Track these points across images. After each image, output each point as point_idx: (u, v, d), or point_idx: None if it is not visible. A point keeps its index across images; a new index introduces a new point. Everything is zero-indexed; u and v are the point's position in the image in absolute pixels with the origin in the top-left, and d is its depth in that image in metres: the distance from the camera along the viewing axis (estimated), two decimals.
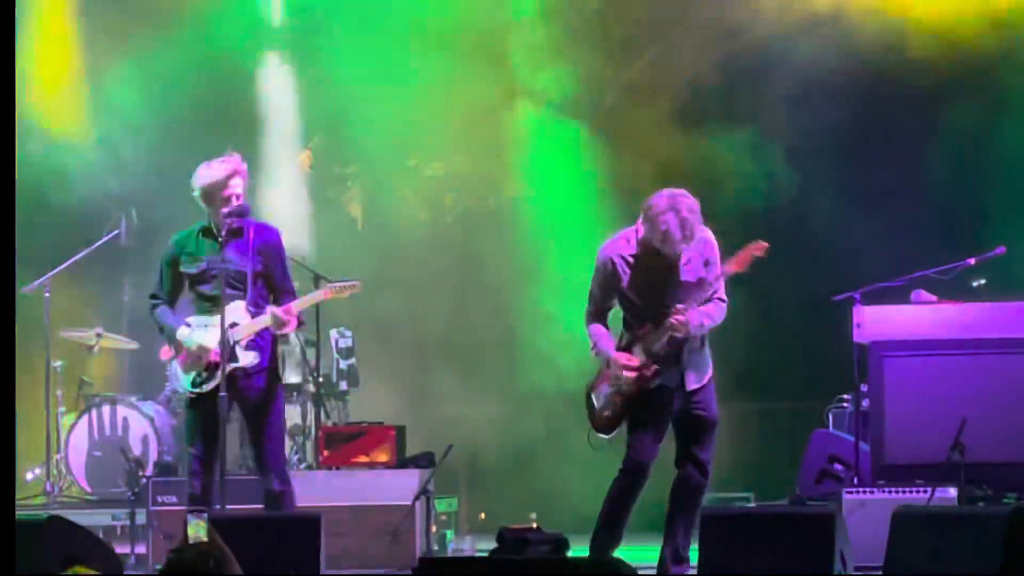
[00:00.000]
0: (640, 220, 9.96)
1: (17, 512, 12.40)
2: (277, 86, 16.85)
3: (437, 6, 16.20)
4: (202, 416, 10.24)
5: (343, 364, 13.80)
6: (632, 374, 10.08)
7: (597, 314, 10.39)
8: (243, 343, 10.24)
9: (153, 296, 10.52)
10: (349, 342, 13.75)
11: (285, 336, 11.58)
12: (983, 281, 13.19)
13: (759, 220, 15.00)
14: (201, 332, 10.28)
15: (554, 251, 16.15)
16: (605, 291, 10.25)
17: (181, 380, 10.32)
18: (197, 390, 10.24)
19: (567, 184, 16.28)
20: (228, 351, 10.15)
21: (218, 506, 10.02)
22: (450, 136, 17.58)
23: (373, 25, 16.26)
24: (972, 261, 13.06)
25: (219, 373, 10.14)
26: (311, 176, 17.86)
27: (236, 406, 10.38)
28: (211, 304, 10.27)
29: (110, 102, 16.67)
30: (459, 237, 17.63)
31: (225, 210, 10.21)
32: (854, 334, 12.75)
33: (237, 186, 10.25)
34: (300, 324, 10.73)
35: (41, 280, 14.32)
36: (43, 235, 15.85)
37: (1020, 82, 15.28)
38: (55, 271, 14.29)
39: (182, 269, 10.30)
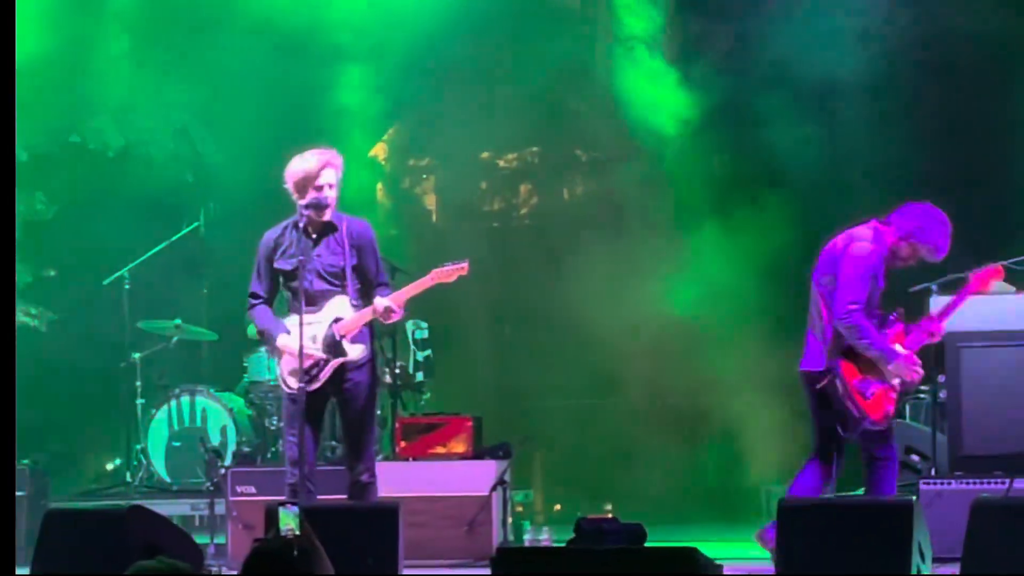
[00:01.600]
0: (896, 226, 10.44)
1: (99, 502, 12.56)
2: (351, 78, 16.88)
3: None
4: (302, 410, 10.25)
5: (419, 355, 13.80)
6: (919, 374, 10.51)
7: (868, 313, 10.45)
8: (348, 337, 10.27)
9: (252, 295, 10.52)
10: (425, 333, 13.75)
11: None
12: None
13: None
14: (297, 334, 10.26)
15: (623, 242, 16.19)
16: (873, 289, 10.44)
17: (286, 381, 10.30)
18: (307, 387, 10.21)
19: None
20: (332, 345, 10.22)
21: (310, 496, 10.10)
22: (524, 128, 17.61)
23: (447, 19, 16.27)
24: None
25: (325, 371, 10.21)
26: (386, 168, 17.90)
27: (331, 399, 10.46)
28: (305, 298, 10.24)
29: (187, 95, 16.74)
30: (533, 228, 17.66)
31: (303, 202, 10.21)
32: (933, 317, 12.68)
33: (329, 177, 10.23)
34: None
35: (120, 272, 14.39)
36: (122, 228, 15.96)
37: None
38: (134, 263, 14.36)
39: (276, 266, 10.27)
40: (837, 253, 10.65)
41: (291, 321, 10.30)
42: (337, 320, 10.20)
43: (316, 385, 10.22)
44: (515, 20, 16.64)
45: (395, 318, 10.46)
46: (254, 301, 10.49)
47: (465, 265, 10.48)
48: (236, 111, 16.52)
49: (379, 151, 17.57)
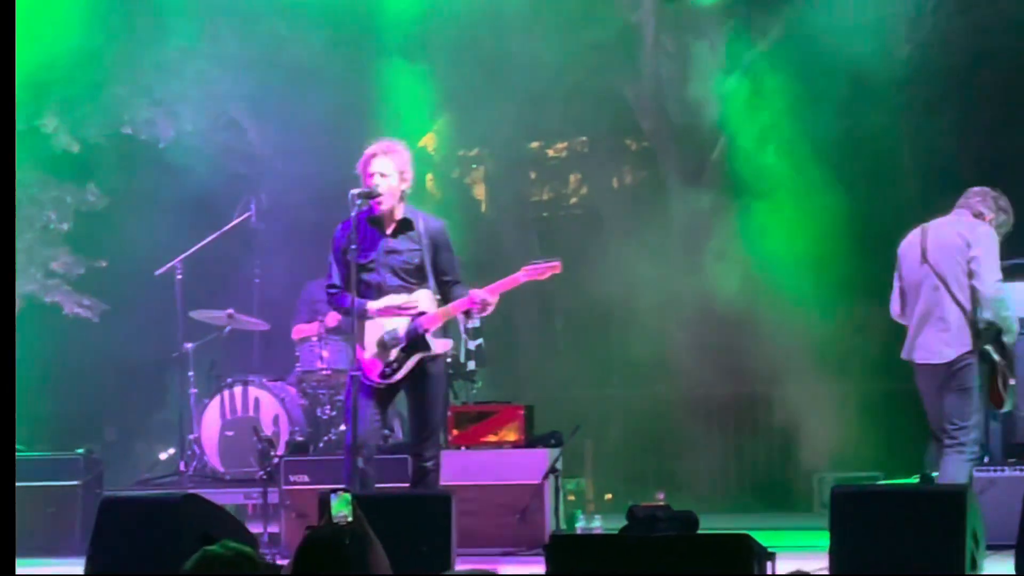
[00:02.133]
0: (988, 208, 10.73)
1: (154, 491, 12.60)
2: (400, 69, 16.91)
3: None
4: (373, 400, 10.31)
5: (471, 344, 13.80)
6: None
7: None
8: (432, 330, 10.32)
9: (331, 286, 10.54)
10: (477, 323, 13.74)
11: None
12: None
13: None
14: (381, 325, 10.32)
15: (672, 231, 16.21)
16: None
17: (365, 372, 10.32)
18: (387, 381, 10.30)
19: None
20: (415, 339, 10.28)
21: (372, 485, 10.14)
22: (574, 118, 17.62)
23: (495, 10, 16.28)
24: None
25: (407, 365, 10.26)
26: (435, 158, 17.93)
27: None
28: (378, 293, 10.32)
29: (238, 88, 16.78)
30: (583, 217, 17.66)
31: (353, 192, 10.24)
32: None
33: (379, 167, 10.25)
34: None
35: (172, 263, 14.42)
36: (173, 218, 16.03)
37: None
38: (186, 254, 14.37)
39: (350, 258, 10.25)
40: (959, 241, 10.62)
41: (374, 309, 10.32)
42: (420, 314, 10.23)
43: (396, 378, 10.30)
44: (561, 9, 16.64)
45: (490, 311, 10.53)
46: (333, 291, 10.49)
47: (558, 264, 10.55)
48: (286, 104, 16.57)
49: (428, 142, 17.59)
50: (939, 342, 10.60)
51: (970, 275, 10.50)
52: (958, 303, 10.52)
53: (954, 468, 10.49)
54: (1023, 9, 15.44)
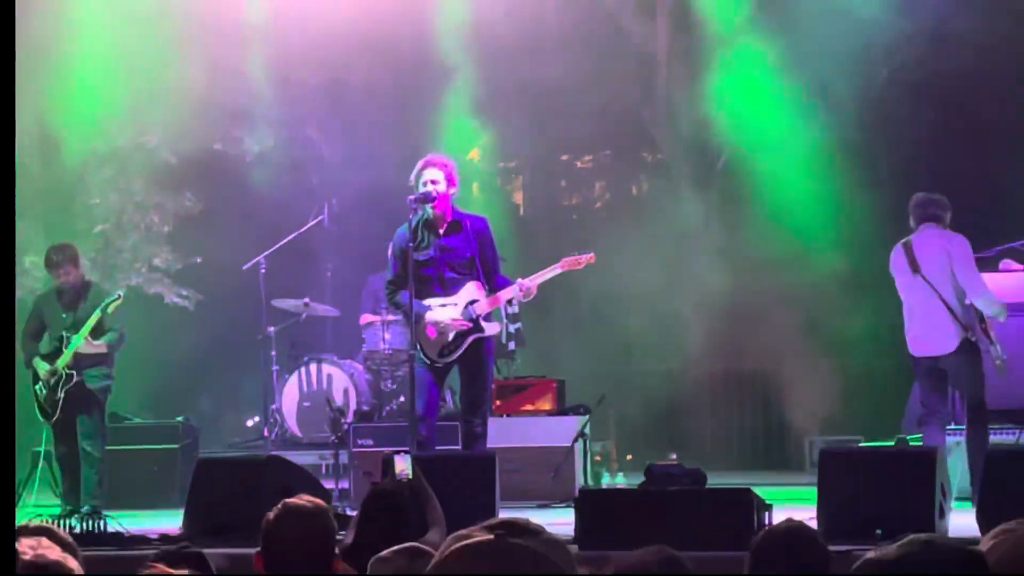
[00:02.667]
0: (945, 211, 10.73)
1: (241, 453, 12.63)
2: (452, 90, 16.90)
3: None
4: (432, 377, 10.38)
5: (511, 328, 13.81)
6: None
7: None
8: (483, 314, 10.39)
9: (391, 283, 10.58)
10: (516, 309, 13.74)
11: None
12: None
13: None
14: (442, 311, 10.36)
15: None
16: None
17: (427, 352, 10.36)
18: (446, 360, 10.35)
19: None
20: (470, 319, 10.33)
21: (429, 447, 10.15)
22: (599, 134, 17.60)
23: (530, 38, 16.23)
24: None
25: (464, 346, 10.30)
26: (481, 168, 17.91)
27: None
28: (435, 287, 10.41)
29: (312, 108, 16.79)
30: (607, 219, 17.63)
31: (410, 197, 10.29)
32: None
33: (430, 175, 10.32)
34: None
35: (257, 259, 14.46)
36: (259, 221, 16.07)
37: None
38: (268, 251, 14.41)
39: (413, 257, 10.29)
40: (944, 256, 10.69)
41: (430, 300, 10.39)
42: (473, 302, 10.28)
43: (454, 357, 10.36)
44: (589, 43, 16.60)
45: (532, 297, 10.68)
46: (393, 287, 10.53)
47: (593, 256, 10.73)
48: (352, 123, 16.57)
49: (475, 155, 17.56)
50: (941, 336, 10.61)
51: (957, 286, 10.53)
52: (950, 307, 10.51)
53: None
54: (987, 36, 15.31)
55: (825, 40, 15.19)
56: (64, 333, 11.73)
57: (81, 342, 11.63)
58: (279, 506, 5.10)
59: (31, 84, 15.53)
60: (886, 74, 15.97)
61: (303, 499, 5.16)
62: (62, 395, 11.67)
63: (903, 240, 10.87)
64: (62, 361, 11.66)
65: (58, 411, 11.70)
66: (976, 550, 3.00)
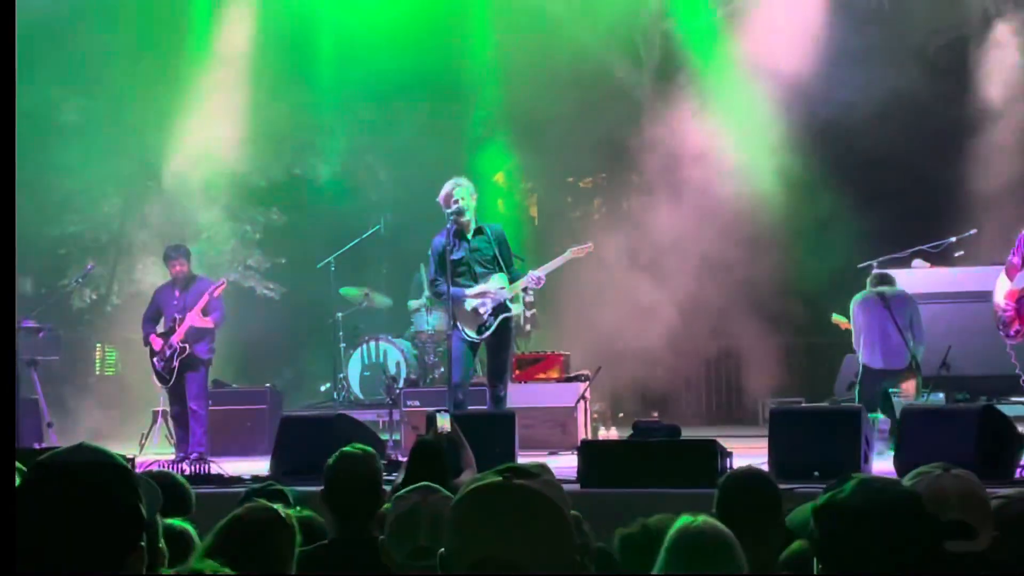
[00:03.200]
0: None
1: (316, 412, 12.64)
2: (481, 124, 16.92)
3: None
4: (467, 351, 10.47)
5: (527, 313, 13.82)
6: None
7: None
8: (509, 298, 10.50)
9: (433, 280, 10.68)
10: (531, 298, 13.74)
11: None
12: (961, 252, 12.98)
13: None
14: (474, 300, 10.42)
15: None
16: None
17: (466, 331, 10.38)
18: (482, 337, 10.43)
19: None
20: (499, 306, 10.41)
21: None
22: (596, 160, 17.58)
23: (541, 82, 16.22)
24: (954, 239, 12.86)
25: (496, 322, 10.36)
26: (504, 188, 17.92)
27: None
28: (468, 280, 10.45)
29: (371, 141, 16.80)
30: (603, 227, 17.59)
31: (448, 210, 10.33)
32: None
33: (459, 194, 10.40)
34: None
35: (328, 259, 14.50)
36: (329, 229, 16.08)
37: None
38: (337, 253, 14.46)
39: (449, 258, 10.37)
40: (908, 310, 10.87)
41: (468, 290, 10.43)
42: (501, 288, 10.32)
43: (488, 333, 10.39)
44: (590, 90, 16.57)
45: (542, 284, 10.77)
46: (437, 281, 10.56)
47: (591, 245, 10.92)
48: (403, 152, 16.55)
49: (500, 178, 17.56)
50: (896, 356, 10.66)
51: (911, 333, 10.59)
52: (904, 339, 10.55)
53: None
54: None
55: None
56: (176, 315, 11.79)
57: (190, 319, 11.71)
58: (336, 453, 5.15)
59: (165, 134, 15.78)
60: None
61: (356, 448, 5.20)
62: (176, 364, 11.73)
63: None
64: (175, 337, 11.73)
65: (173, 377, 11.76)
66: (915, 491, 2.98)
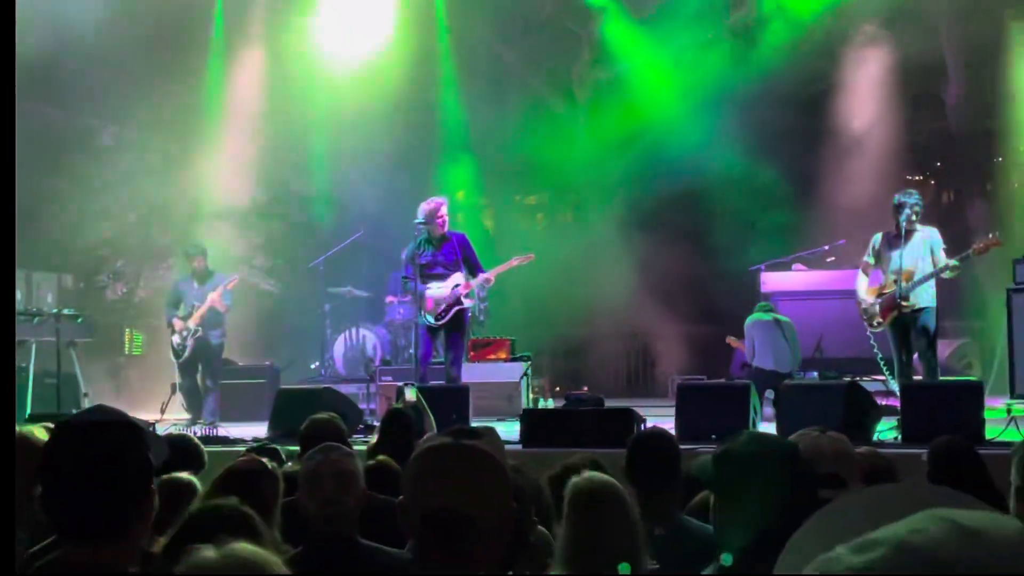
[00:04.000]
0: None
1: (305, 386, 12.54)
2: (448, 155, 16.87)
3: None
4: (429, 336, 10.46)
5: (481, 306, 13.79)
6: None
7: None
8: (463, 294, 10.39)
9: (405, 278, 10.69)
10: (484, 294, 13.72)
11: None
12: (833, 258, 13.07)
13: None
14: (438, 290, 10.40)
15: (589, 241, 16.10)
16: None
17: (428, 318, 10.35)
18: (439, 323, 10.35)
19: None
20: (455, 299, 10.34)
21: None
22: (537, 182, 17.58)
23: (497, 125, 16.18)
24: (827, 247, 12.95)
25: (450, 313, 10.31)
26: (465, 204, 17.88)
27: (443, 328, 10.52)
28: (433, 279, 10.42)
29: (355, 168, 16.63)
30: (546, 235, 17.60)
31: (416, 222, 10.33)
32: (761, 288, 12.62)
33: (443, 213, 10.37)
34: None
35: (318, 260, 14.40)
36: (319, 236, 15.97)
37: None
38: (326, 255, 14.35)
39: (419, 261, 10.36)
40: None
41: (430, 284, 10.42)
42: (457, 285, 10.28)
43: (444, 321, 10.35)
44: (530, 119, 16.59)
45: (492, 283, 10.85)
46: (407, 281, 10.58)
47: (532, 256, 10.92)
48: (381, 174, 16.42)
49: (461, 195, 17.50)
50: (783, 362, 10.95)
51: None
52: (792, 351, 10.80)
53: None
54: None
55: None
56: (195, 303, 11.76)
57: (205, 305, 11.71)
58: (308, 419, 5.14)
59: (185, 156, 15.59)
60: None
61: (323, 413, 5.21)
62: (191, 343, 11.66)
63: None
64: (192, 321, 11.75)
65: (186, 353, 11.74)
66: (793, 442, 3.03)
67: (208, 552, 1.75)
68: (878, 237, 9.75)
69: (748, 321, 11.39)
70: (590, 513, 3.27)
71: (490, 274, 10.57)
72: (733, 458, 2.72)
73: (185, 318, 11.85)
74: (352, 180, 16.83)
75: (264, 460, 3.71)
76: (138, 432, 2.32)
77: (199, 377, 12.07)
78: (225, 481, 3.54)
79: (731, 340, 12.32)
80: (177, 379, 11.99)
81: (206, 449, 5.67)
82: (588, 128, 16.97)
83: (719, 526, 2.76)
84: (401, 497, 2.21)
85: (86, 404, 12.03)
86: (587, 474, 3.45)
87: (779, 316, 11.34)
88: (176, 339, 11.88)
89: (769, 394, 9.81)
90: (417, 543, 2.18)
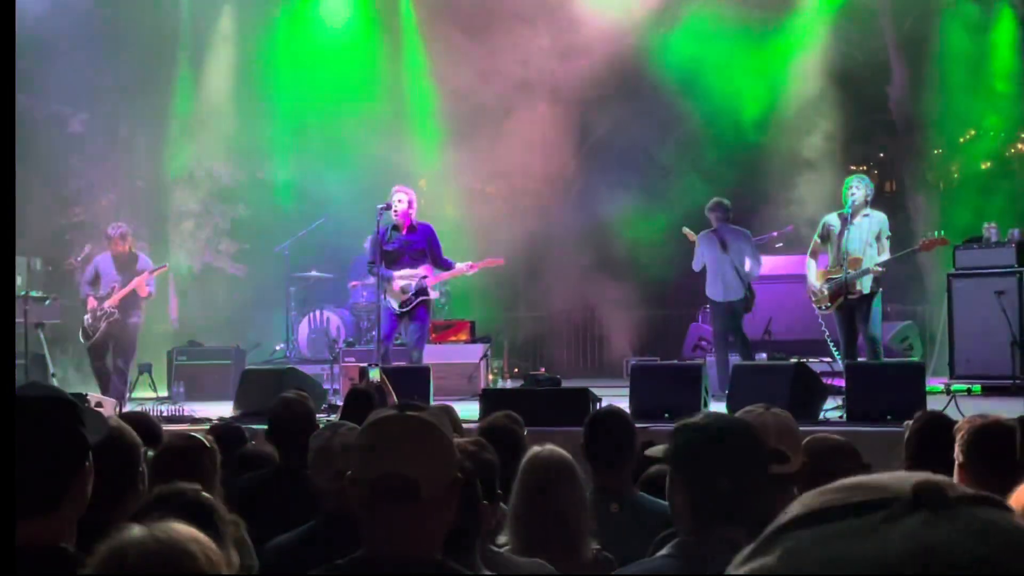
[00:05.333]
0: None
1: (269, 366, 12.41)
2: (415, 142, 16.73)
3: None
4: (393, 319, 10.38)
5: (443, 288, 13.72)
6: None
7: None
8: (430, 286, 10.35)
9: (371, 263, 10.53)
10: (447, 287, 13.70)
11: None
12: (781, 244, 13.12)
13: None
14: (405, 279, 10.31)
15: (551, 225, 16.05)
16: None
17: (393, 303, 10.27)
18: (404, 309, 10.27)
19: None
20: (420, 289, 10.29)
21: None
22: (500, 171, 17.44)
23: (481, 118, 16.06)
24: (775, 233, 12.98)
25: (414, 302, 10.25)
26: (428, 193, 17.75)
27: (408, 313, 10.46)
28: (399, 266, 10.33)
29: (317, 149, 16.48)
30: (505, 226, 17.54)
31: (379, 206, 10.28)
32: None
33: (398, 196, 10.29)
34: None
35: (283, 245, 14.27)
36: (285, 221, 15.82)
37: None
38: (291, 240, 14.22)
39: (384, 248, 10.27)
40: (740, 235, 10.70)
41: (396, 272, 10.32)
42: (424, 277, 10.19)
43: (407, 308, 10.29)
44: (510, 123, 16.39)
45: (475, 270, 10.78)
46: (372, 265, 10.46)
47: (502, 260, 11.03)
48: (350, 163, 16.15)
49: (423, 183, 17.30)
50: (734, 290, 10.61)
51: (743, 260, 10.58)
52: (740, 275, 10.56)
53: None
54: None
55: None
56: (114, 284, 11.11)
57: (128, 287, 11.05)
58: (277, 398, 5.08)
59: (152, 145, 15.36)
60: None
61: (292, 392, 5.15)
62: (103, 324, 11.08)
63: (711, 229, 10.72)
64: (110, 302, 11.08)
65: (96, 336, 11.10)
66: (746, 420, 3.06)
67: (135, 531, 1.68)
68: (827, 218, 9.79)
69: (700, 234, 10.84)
70: (545, 484, 3.29)
71: (456, 272, 10.59)
72: (691, 429, 2.74)
73: (102, 299, 11.11)
74: (317, 167, 16.67)
75: (199, 435, 3.69)
76: (71, 408, 2.25)
77: (109, 359, 11.25)
78: (162, 456, 3.50)
79: (687, 232, 11.56)
80: (91, 363, 11.35)
81: (170, 428, 5.57)
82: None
83: (674, 500, 2.74)
84: (349, 471, 2.21)
85: (54, 384, 11.83)
86: (548, 447, 3.44)
87: (722, 227, 10.62)
88: (88, 318, 11.19)
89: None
90: (363, 511, 2.17)
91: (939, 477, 0.86)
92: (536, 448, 3.44)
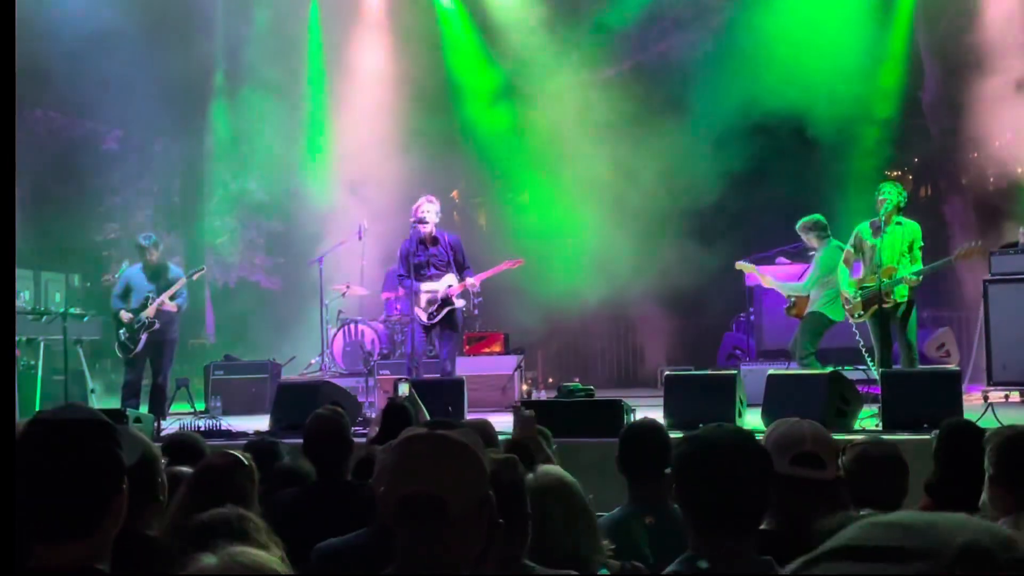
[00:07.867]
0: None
1: (306, 379, 12.46)
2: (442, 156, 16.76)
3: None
4: (423, 332, 10.53)
5: (475, 301, 13.73)
6: None
7: None
8: (454, 294, 10.42)
9: (400, 275, 10.60)
10: (479, 289, 13.69)
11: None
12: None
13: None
14: (427, 293, 10.44)
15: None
16: None
17: (421, 315, 10.36)
18: (431, 322, 10.44)
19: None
20: (446, 299, 10.41)
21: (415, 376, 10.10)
22: (524, 179, 17.45)
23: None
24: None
25: (441, 312, 10.36)
26: (459, 204, 17.80)
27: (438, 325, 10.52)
28: (427, 279, 10.46)
29: (357, 167, 16.53)
30: (535, 234, 17.56)
31: (412, 220, 10.31)
32: (746, 282, 12.58)
33: (426, 208, 10.31)
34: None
35: (317, 257, 14.31)
36: (319, 235, 15.90)
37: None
38: (325, 253, 14.21)
39: (412, 261, 10.31)
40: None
41: (425, 286, 10.47)
42: (450, 286, 10.32)
43: (435, 320, 10.41)
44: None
45: (476, 288, 11.00)
46: (401, 277, 10.54)
47: (522, 260, 10.93)
48: (384, 176, 16.12)
49: (455, 194, 17.42)
50: None
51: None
52: None
53: None
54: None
55: None
56: (148, 295, 11.02)
57: (163, 297, 10.98)
58: (312, 414, 5.08)
59: (187, 161, 15.47)
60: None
61: (325, 408, 5.14)
62: (143, 336, 10.96)
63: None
64: (148, 312, 10.98)
65: (138, 348, 10.98)
66: (749, 431, 3.06)
67: (209, 559, 1.74)
68: (860, 227, 9.71)
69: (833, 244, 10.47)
70: (538, 506, 3.27)
71: (476, 280, 10.60)
72: (691, 440, 2.79)
73: (138, 310, 11.02)
74: (353, 179, 16.75)
75: (237, 453, 3.69)
76: (108, 430, 2.27)
77: (146, 371, 11.19)
78: (202, 476, 3.51)
79: (741, 266, 11.55)
80: (124, 375, 11.21)
81: (209, 444, 5.59)
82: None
83: (681, 513, 2.80)
84: (381, 488, 2.21)
85: (93, 401, 11.95)
86: (547, 467, 3.41)
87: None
88: (124, 332, 11.08)
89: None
90: (394, 529, 2.19)
91: (996, 533, 0.81)
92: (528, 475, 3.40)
